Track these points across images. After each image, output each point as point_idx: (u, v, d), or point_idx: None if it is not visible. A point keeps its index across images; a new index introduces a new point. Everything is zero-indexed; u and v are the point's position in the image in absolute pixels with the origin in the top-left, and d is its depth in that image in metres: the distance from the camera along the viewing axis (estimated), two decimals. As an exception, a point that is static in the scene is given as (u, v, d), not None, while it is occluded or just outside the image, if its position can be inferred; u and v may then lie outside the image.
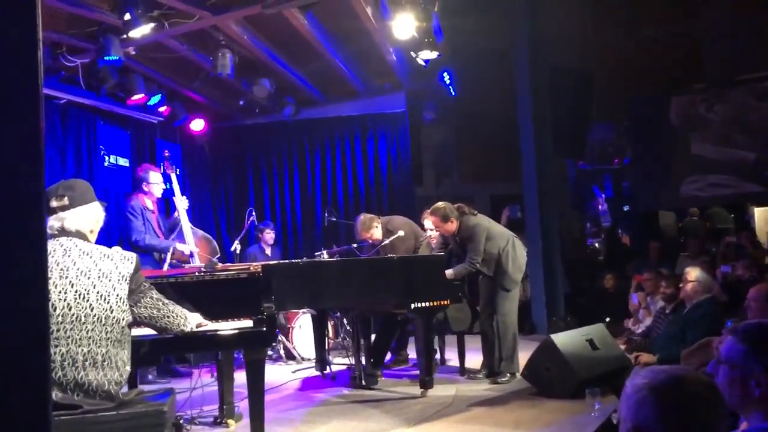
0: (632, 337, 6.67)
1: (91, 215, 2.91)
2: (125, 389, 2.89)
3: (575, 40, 11.00)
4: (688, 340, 4.74)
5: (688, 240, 9.30)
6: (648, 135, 10.98)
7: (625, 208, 13.24)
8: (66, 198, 2.86)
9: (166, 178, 6.12)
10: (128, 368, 2.80)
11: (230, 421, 4.50)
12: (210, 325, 3.42)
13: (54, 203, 2.84)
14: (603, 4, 11.32)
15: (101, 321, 2.69)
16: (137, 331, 3.17)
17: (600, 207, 12.87)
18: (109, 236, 7.03)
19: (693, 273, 5.16)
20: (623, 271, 9.14)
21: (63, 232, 2.82)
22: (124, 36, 5.93)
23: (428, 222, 6.18)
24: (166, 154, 6.30)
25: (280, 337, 6.85)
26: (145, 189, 5.93)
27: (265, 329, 3.62)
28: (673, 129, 10.71)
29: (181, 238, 5.75)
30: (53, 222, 2.81)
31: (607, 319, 7.10)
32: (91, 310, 2.68)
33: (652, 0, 11.25)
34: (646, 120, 11.05)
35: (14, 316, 1.26)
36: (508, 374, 5.54)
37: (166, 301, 3.02)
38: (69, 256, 2.74)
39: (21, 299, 1.27)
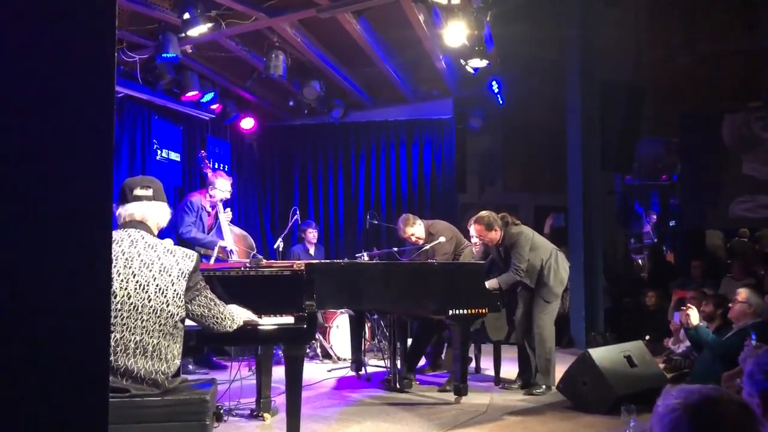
0: (672, 357, 6.57)
1: (165, 212, 3.06)
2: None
3: (628, 54, 10.89)
4: (729, 364, 4.66)
5: (735, 261, 9.09)
6: (698, 152, 10.76)
7: (671, 224, 12.99)
8: (151, 189, 2.99)
9: (204, 176, 6.30)
10: (177, 362, 2.89)
11: (266, 415, 4.59)
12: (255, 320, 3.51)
13: (139, 191, 2.96)
14: (659, 18, 11.17)
15: (156, 312, 2.79)
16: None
17: (645, 224, 12.66)
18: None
19: (743, 294, 4.95)
20: (666, 289, 8.99)
21: (134, 222, 2.93)
22: (182, 34, 6.10)
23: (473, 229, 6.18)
24: (203, 154, 6.45)
25: (318, 336, 6.94)
26: (210, 192, 6.04)
27: (305, 326, 3.69)
28: (725, 147, 10.49)
29: (220, 235, 5.89)
30: (133, 209, 2.94)
31: (647, 337, 7.01)
32: (149, 301, 2.78)
33: (710, 16, 11.05)
34: (697, 137, 10.83)
35: (79, 307, 1.33)
36: (544, 386, 5.52)
37: (218, 301, 3.09)
38: (135, 247, 2.85)
39: (86, 291, 1.34)
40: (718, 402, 1.47)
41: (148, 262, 2.83)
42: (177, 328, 2.87)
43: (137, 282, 2.78)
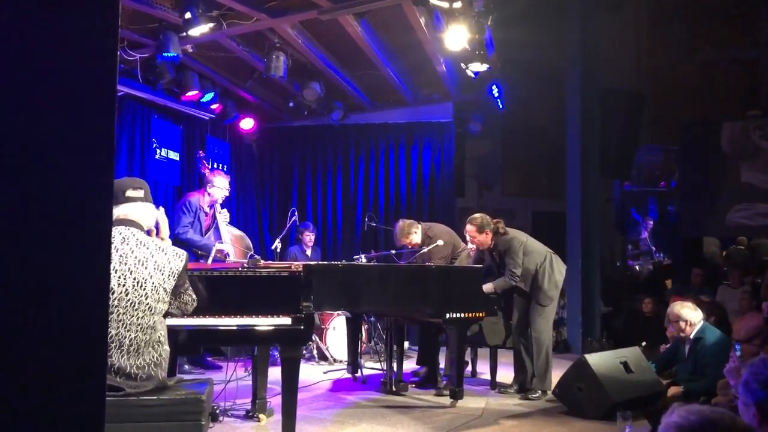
0: (668, 363, 6.56)
1: (153, 213, 3.11)
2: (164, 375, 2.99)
3: (629, 61, 10.92)
4: (706, 373, 4.68)
5: (731, 269, 9.11)
6: (697, 160, 10.78)
7: (669, 231, 13.00)
8: (142, 191, 3.05)
9: (202, 177, 6.30)
10: (167, 347, 2.93)
11: (261, 416, 4.58)
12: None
13: (132, 193, 3.01)
14: (660, 26, 11.21)
15: (150, 309, 2.83)
16: (178, 321, 3.31)
17: (642, 231, 12.67)
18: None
19: (674, 312, 4.94)
20: (662, 295, 9.00)
21: (126, 221, 2.95)
22: (183, 34, 6.10)
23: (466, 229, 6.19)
24: (201, 154, 6.45)
25: (314, 338, 6.93)
26: (209, 190, 6.04)
27: (302, 328, 3.69)
28: (723, 155, 10.50)
29: (217, 236, 5.88)
30: (127, 210, 2.97)
31: (643, 343, 7.00)
32: (145, 298, 2.82)
33: (710, 25, 11.09)
34: (696, 144, 10.85)
35: (78, 305, 1.32)
36: (540, 391, 5.52)
37: (193, 296, 3.16)
38: (127, 244, 2.87)
39: (86, 289, 1.33)
40: (715, 426, 1.46)
41: (143, 259, 2.87)
42: (162, 321, 2.94)
43: (135, 279, 2.81)
